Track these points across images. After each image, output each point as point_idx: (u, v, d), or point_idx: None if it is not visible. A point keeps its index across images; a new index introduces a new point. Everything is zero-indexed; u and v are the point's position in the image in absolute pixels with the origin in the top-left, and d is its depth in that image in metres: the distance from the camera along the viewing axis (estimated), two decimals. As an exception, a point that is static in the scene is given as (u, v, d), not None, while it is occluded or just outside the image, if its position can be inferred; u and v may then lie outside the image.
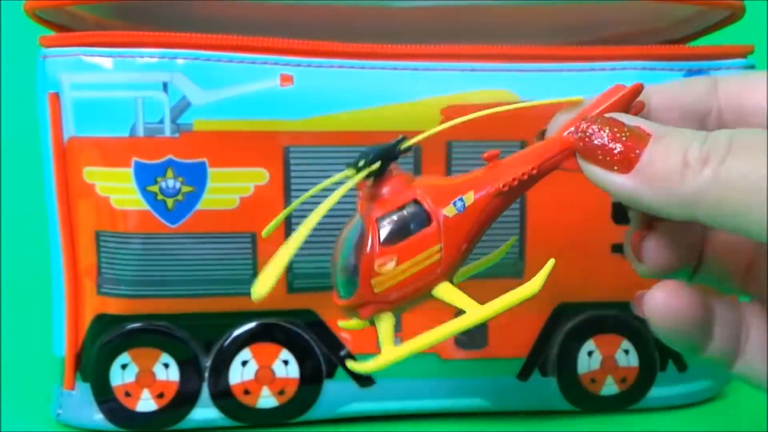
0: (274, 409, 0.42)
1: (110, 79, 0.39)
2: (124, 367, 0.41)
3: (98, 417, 0.42)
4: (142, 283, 0.40)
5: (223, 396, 0.42)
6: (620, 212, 0.42)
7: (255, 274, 0.41)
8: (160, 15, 0.40)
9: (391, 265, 0.29)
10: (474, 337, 0.43)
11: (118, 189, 0.39)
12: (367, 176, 0.29)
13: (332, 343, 0.42)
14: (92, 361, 0.41)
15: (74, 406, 0.42)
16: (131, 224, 0.40)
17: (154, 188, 0.39)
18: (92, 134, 0.39)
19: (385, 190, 0.30)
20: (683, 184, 0.27)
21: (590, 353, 0.44)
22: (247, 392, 0.42)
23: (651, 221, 0.31)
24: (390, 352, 0.29)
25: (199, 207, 0.40)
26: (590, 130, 0.29)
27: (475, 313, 0.29)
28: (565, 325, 0.43)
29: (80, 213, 0.40)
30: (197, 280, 0.40)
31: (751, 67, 0.42)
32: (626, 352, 0.44)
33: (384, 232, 0.29)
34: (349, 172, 0.29)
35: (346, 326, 0.33)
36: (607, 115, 0.29)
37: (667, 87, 0.31)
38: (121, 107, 0.39)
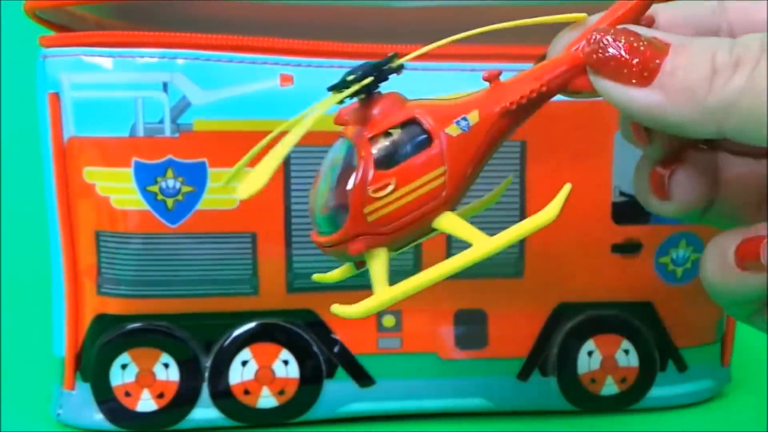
0: (274, 409, 0.42)
1: (110, 79, 0.39)
2: (124, 367, 0.41)
3: (98, 417, 0.41)
4: (142, 283, 0.40)
5: (223, 396, 0.42)
6: (620, 212, 0.42)
7: (255, 274, 0.41)
8: (160, 15, 0.40)
9: (389, 189, 0.25)
10: (474, 337, 0.43)
11: (118, 189, 0.39)
12: (355, 95, 0.26)
13: (332, 343, 0.42)
14: (92, 361, 0.41)
15: (74, 406, 0.42)
16: (131, 224, 0.40)
17: (154, 188, 0.39)
18: (92, 134, 0.39)
19: (377, 110, 0.26)
20: (712, 94, 0.25)
21: (590, 353, 0.44)
22: (247, 392, 0.42)
23: (678, 152, 0.29)
24: (384, 292, 0.25)
25: (199, 207, 0.40)
26: (604, 41, 0.26)
27: (483, 245, 0.26)
28: (565, 325, 0.43)
29: (80, 213, 0.40)
30: (197, 280, 0.40)
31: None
32: (626, 352, 0.44)
33: (379, 153, 0.26)
34: (335, 96, 0.26)
35: (322, 280, 0.29)
36: (620, 26, 0.27)
37: (675, 4, 0.30)
38: (121, 107, 0.39)
